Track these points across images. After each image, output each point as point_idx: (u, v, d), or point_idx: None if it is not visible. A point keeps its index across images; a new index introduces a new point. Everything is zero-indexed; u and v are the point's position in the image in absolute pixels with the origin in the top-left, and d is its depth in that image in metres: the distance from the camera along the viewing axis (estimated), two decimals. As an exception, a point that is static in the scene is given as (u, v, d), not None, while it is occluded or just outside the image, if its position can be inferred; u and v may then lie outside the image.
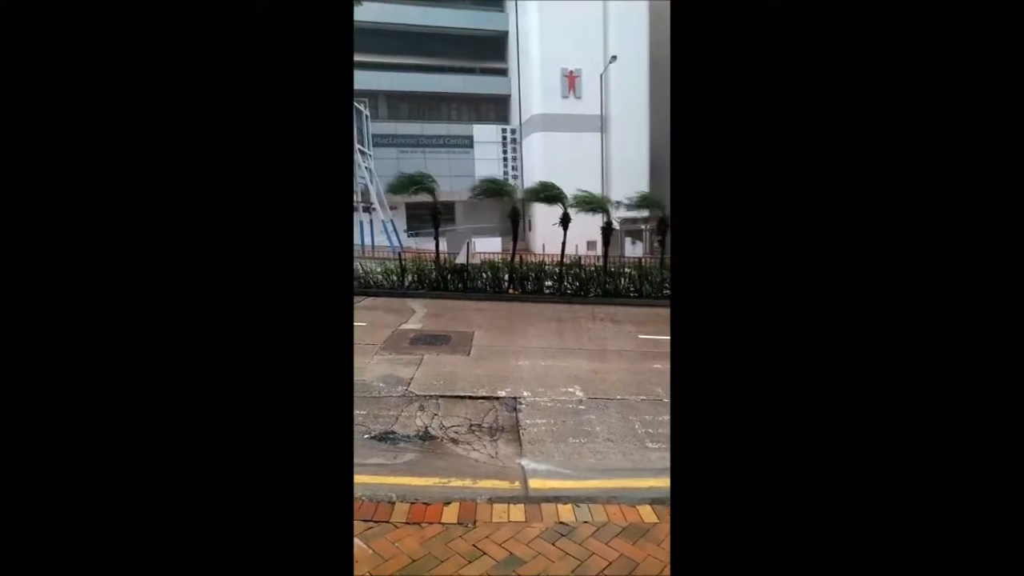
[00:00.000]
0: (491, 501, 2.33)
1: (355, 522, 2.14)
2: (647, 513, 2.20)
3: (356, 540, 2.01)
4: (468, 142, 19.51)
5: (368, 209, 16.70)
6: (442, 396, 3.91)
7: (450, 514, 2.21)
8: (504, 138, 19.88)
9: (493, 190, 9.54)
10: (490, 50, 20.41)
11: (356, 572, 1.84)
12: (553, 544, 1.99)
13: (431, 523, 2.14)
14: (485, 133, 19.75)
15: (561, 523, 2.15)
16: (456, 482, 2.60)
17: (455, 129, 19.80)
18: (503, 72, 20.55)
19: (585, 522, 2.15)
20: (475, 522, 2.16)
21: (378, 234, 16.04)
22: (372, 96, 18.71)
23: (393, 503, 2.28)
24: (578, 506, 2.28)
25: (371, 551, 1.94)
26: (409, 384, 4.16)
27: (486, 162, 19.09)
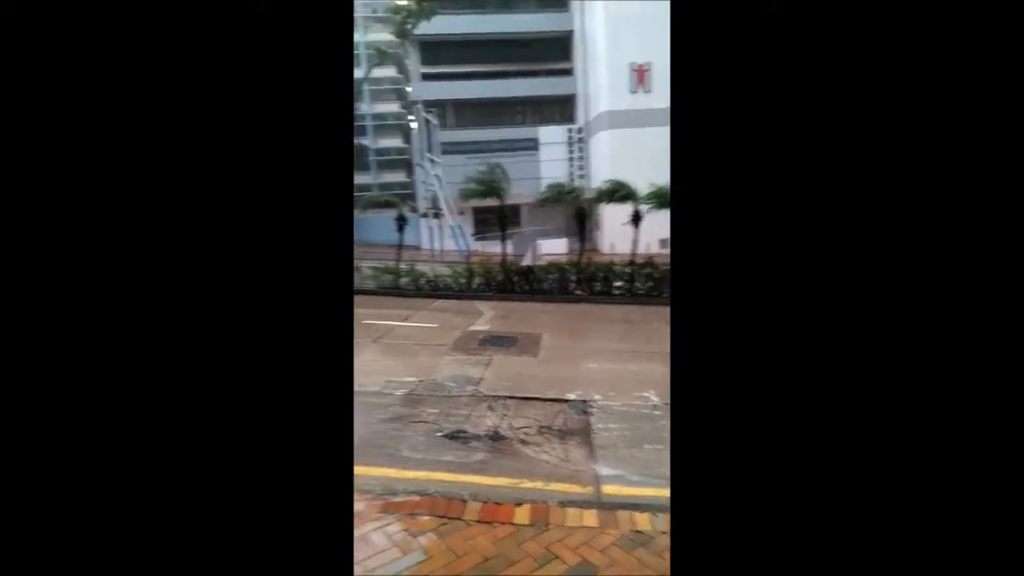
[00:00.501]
0: (563, 504, 2.28)
1: (429, 517, 2.19)
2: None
3: (430, 534, 2.05)
4: (533, 144, 19.58)
5: (437, 215, 17.28)
6: (511, 397, 3.92)
7: (522, 515, 2.19)
8: (570, 138, 19.72)
9: (558, 195, 9.47)
10: (555, 51, 20.37)
11: (433, 565, 1.87)
12: (630, 553, 1.90)
13: (503, 523, 2.13)
14: (550, 135, 19.71)
15: (637, 531, 2.05)
16: (527, 483, 2.57)
17: (520, 132, 19.96)
18: (568, 72, 20.42)
19: (663, 532, 2.03)
20: (547, 525, 2.12)
21: (447, 239, 16.56)
22: (440, 106, 19.38)
23: (465, 501, 2.30)
24: (655, 515, 2.16)
25: (445, 546, 1.97)
26: (479, 384, 4.21)
27: (552, 163, 19.05)
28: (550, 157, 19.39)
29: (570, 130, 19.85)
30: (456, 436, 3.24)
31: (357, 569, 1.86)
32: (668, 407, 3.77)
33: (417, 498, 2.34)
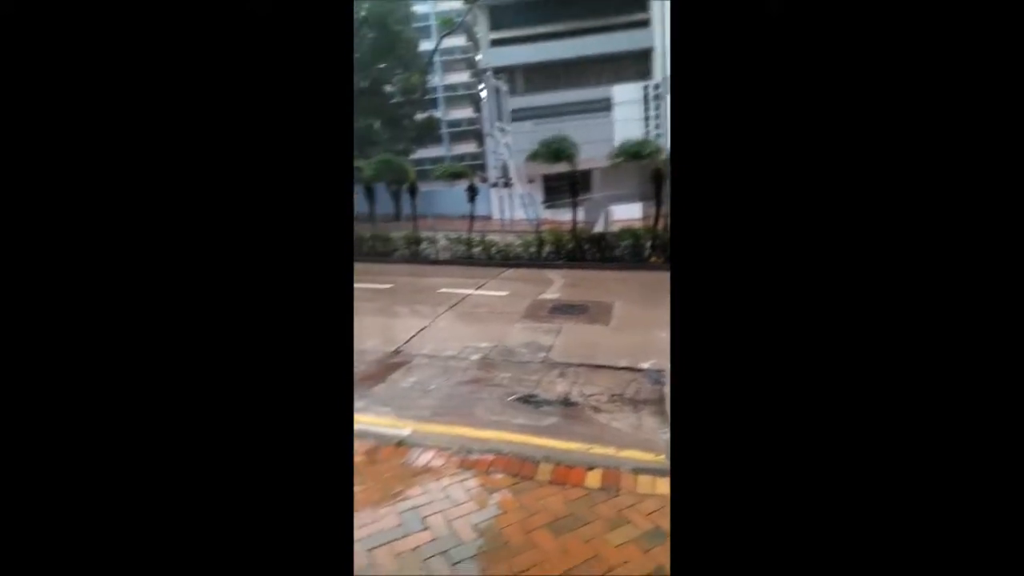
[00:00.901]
0: (635, 471, 2.27)
1: (503, 476, 2.29)
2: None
3: (505, 492, 2.15)
4: (607, 105, 18.66)
5: (507, 184, 17.28)
6: (582, 364, 3.92)
7: (593, 479, 2.22)
8: (646, 95, 18.52)
9: (634, 152, 9.00)
10: (630, 2, 18.99)
11: (507, 521, 1.97)
12: (705, 525, 1.87)
13: (574, 486, 2.17)
14: (625, 93, 18.63)
15: (714, 504, 2.00)
16: (598, 449, 2.59)
17: (593, 93, 19.09)
18: (645, 24, 18.99)
19: (742, 507, 1.96)
20: (618, 490, 2.14)
21: (516, 208, 16.55)
22: (510, 72, 19.01)
23: (538, 463, 2.37)
24: (734, 489, 2.09)
25: (519, 504, 2.06)
26: (550, 351, 4.26)
27: (626, 123, 18.07)
28: (625, 117, 18.41)
29: (646, 87, 18.61)
30: (528, 400, 3.33)
31: (442, 516, 2.01)
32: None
33: (492, 457, 2.46)
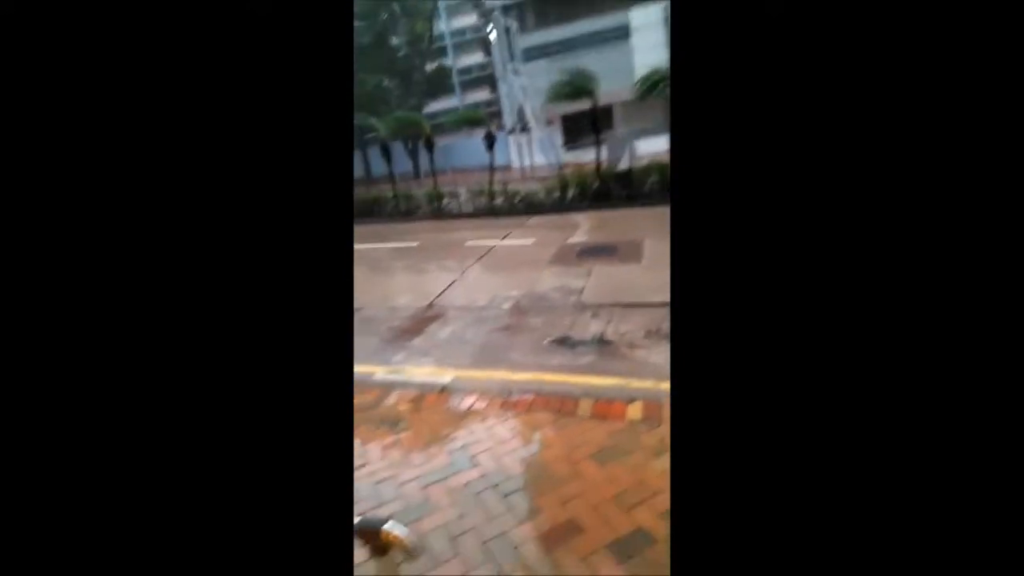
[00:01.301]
0: (676, 402, 2.28)
1: (545, 413, 2.34)
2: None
3: (547, 428, 2.21)
4: (624, 33, 17.41)
5: (525, 129, 16.68)
6: (615, 304, 3.89)
7: (634, 412, 2.24)
8: (666, 17, 17.13)
9: (658, 81, 8.45)
10: (643, -91, 17.17)
11: (553, 453, 2.03)
12: (750, 448, 1.87)
13: (616, 419, 2.20)
14: (643, 17, 17.27)
15: (758, 428, 1.99)
16: (637, 383, 2.61)
17: (608, 21, 17.78)
18: (661, -66, 17.25)
19: (788, 429, 1.95)
20: (660, 421, 2.16)
21: (536, 153, 16.05)
22: (519, 8, 17.85)
23: (578, 399, 2.41)
24: (778, 413, 2.07)
25: (562, 438, 2.11)
26: (581, 294, 4.23)
27: (646, 51, 16.87)
28: (644, 43, 17.16)
29: (666, 7, 17.16)
30: (563, 342, 3.35)
31: (489, 454, 2.09)
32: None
33: (532, 396, 2.51)
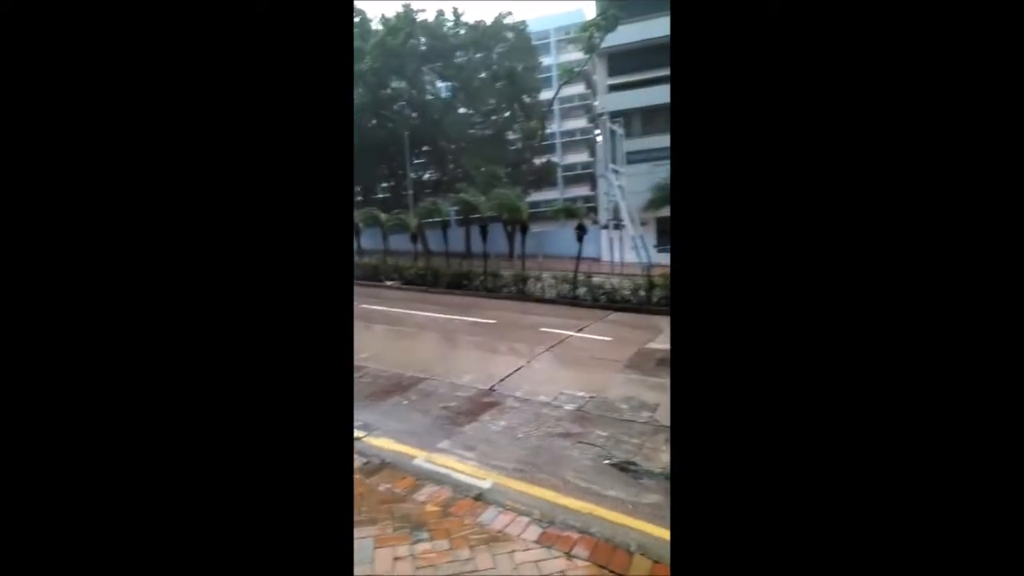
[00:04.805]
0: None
1: (587, 564, 1.91)
2: None
3: (588, 588, 1.77)
4: (729, 146, 17.57)
5: (618, 226, 16.86)
6: (694, 431, 3.36)
7: (704, 592, 1.74)
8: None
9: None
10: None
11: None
12: None
13: (678, 597, 1.72)
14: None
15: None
16: (712, 548, 2.08)
17: (713, 134, 18.15)
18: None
19: None
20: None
21: (627, 250, 15.99)
22: (626, 115, 18.95)
23: (632, 554, 1.95)
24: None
25: (604, 607, 1.67)
26: (655, 411, 3.76)
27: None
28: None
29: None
30: (626, 468, 2.89)
31: (506, 603, 1.70)
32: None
33: (576, 535, 2.10)
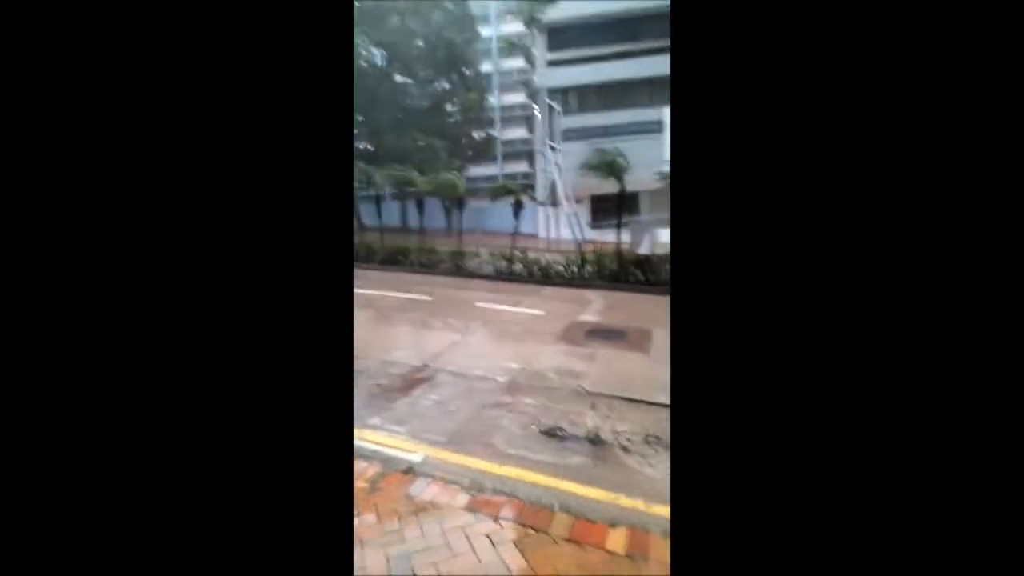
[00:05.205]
0: (666, 535, 1.93)
1: (514, 524, 2.01)
2: None
3: (511, 546, 1.87)
4: (657, 127, 18.21)
5: (555, 203, 17.12)
6: (616, 397, 3.58)
7: (616, 540, 1.90)
8: (701, 118, 17.88)
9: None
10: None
11: (506, 585, 1.69)
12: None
13: (595, 547, 1.86)
14: (678, 115, 18.11)
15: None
16: (626, 501, 2.26)
17: (644, 114, 18.71)
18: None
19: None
20: (647, 557, 1.81)
21: (563, 227, 16.32)
22: (564, 92, 19.03)
23: (554, 512, 2.08)
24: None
25: (526, 563, 1.78)
26: (582, 379, 3.95)
27: (679, 147, 17.52)
28: (677, 139, 17.81)
29: (703, 109, 17.97)
30: (553, 433, 3.04)
31: (434, 569, 1.76)
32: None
33: (503, 499, 2.19)
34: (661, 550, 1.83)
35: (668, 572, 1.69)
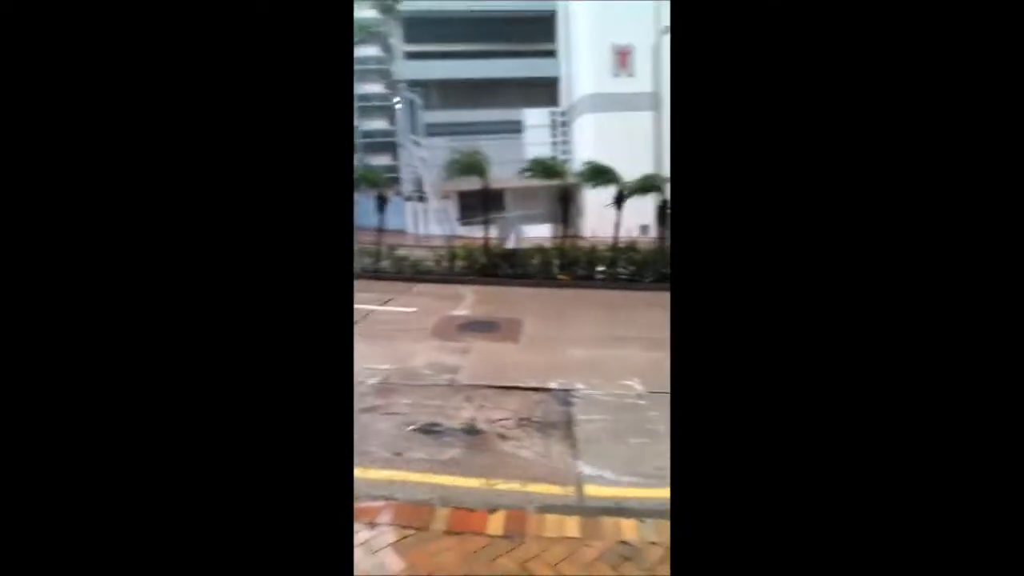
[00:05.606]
0: (542, 511, 2.06)
1: (392, 527, 1.95)
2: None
3: (390, 550, 1.82)
4: (518, 127, 19.09)
5: (422, 198, 16.84)
6: (490, 386, 3.69)
7: (496, 524, 1.97)
8: (553, 121, 19.23)
9: (543, 169, 9.18)
10: (539, 31, 19.76)
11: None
12: (616, 570, 1.70)
13: (474, 534, 1.90)
14: (535, 117, 19.20)
15: (623, 542, 1.85)
16: (503, 485, 2.35)
17: (506, 114, 19.41)
18: (552, 54, 19.86)
19: (652, 543, 1.83)
20: (524, 536, 1.91)
21: (431, 223, 16.16)
22: (425, 86, 18.75)
23: (434, 508, 2.07)
24: (643, 522, 1.97)
25: (407, 563, 1.74)
26: (456, 372, 3.98)
27: (536, 147, 18.58)
28: (534, 140, 18.93)
29: (553, 113, 19.37)
30: (429, 430, 3.01)
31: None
32: (651, 396, 3.59)
33: (381, 503, 2.11)
34: (537, 526, 1.95)
35: (541, 550, 1.82)
